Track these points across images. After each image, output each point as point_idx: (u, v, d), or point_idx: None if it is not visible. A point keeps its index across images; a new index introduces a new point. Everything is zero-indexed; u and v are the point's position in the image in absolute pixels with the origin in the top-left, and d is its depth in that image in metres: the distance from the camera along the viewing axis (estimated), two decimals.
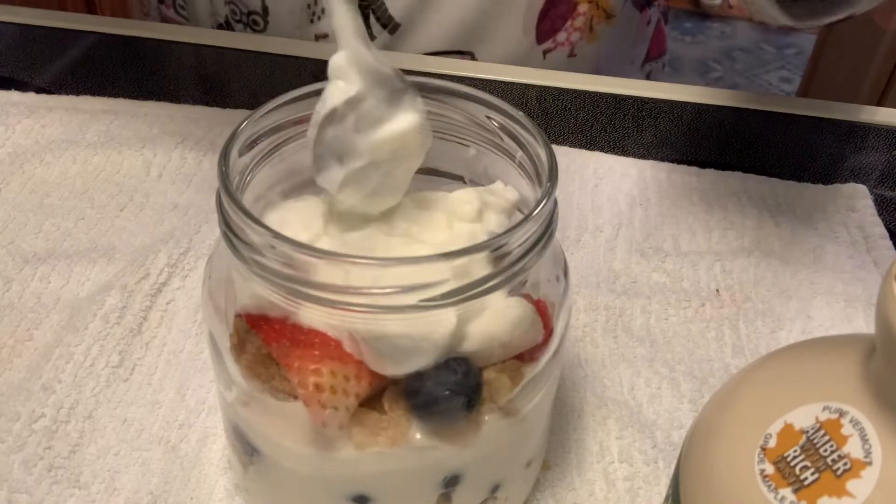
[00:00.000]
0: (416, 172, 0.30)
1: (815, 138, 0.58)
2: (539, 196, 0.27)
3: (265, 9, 0.65)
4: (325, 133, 0.28)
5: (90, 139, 0.52)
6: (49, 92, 0.56)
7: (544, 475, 0.35)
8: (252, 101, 0.57)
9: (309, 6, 0.65)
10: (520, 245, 0.26)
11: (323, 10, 0.64)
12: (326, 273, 0.25)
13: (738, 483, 0.22)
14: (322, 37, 0.66)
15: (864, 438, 0.20)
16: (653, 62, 0.78)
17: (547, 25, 0.65)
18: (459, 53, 0.65)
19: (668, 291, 0.44)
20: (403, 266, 0.25)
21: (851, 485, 0.20)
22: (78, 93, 0.56)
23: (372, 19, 0.64)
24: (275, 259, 0.25)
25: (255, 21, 0.67)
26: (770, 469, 0.21)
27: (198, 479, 0.34)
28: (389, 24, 0.64)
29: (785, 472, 0.21)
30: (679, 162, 0.54)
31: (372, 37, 0.64)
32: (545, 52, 0.66)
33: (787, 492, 0.21)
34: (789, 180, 0.53)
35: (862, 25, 1.42)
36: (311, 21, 0.65)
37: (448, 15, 0.63)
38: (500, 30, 0.64)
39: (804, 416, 0.21)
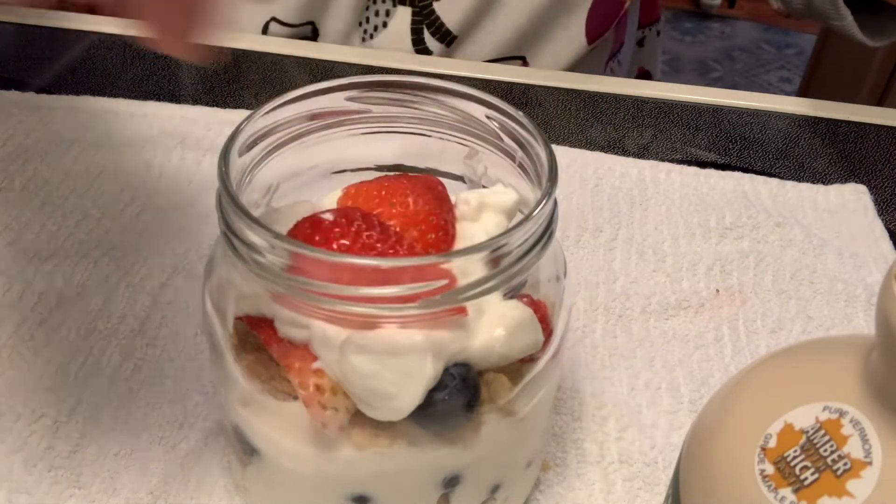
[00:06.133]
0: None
1: (815, 138, 0.58)
2: (539, 196, 0.27)
3: (315, 31, 0.64)
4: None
5: (91, 139, 0.52)
6: (49, 92, 0.56)
7: (544, 475, 0.35)
8: (252, 101, 0.57)
9: (361, 24, 0.64)
10: (519, 245, 0.26)
11: (376, 28, 0.63)
12: (326, 274, 0.25)
13: (738, 483, 0.22)
14: None
15: (864, 438, 0.20)
16: (646, 28, 0.77)
17: (597, 24, 0.65)
18: (511, 59, 0.65)
19: (668, 291, 0.44)
20: (404, 266, 0.25)
21: (851, 485, 0.20)
22: (78, 93, 0.56)
23: (426, 34, 0.63)
24: (275, 259, 0.25)
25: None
26: (770, 469, 0.21)
27: (198, 479, 0.34)
28: (447, 38, 0.63)
29: (785, 472, 0.21)
30: (679, 162, 0.54)
31: (428, 51, 0.63)
32: (593, 51, 0.66)
33: (787, 492, 0.21)
34: (789, 180, 0.53)
35: None
36: (363, 40, 0.64)
37: (503, 23, 0.63)
38: (554, 32, 0.64)
39: (804, 416, 0.21)
